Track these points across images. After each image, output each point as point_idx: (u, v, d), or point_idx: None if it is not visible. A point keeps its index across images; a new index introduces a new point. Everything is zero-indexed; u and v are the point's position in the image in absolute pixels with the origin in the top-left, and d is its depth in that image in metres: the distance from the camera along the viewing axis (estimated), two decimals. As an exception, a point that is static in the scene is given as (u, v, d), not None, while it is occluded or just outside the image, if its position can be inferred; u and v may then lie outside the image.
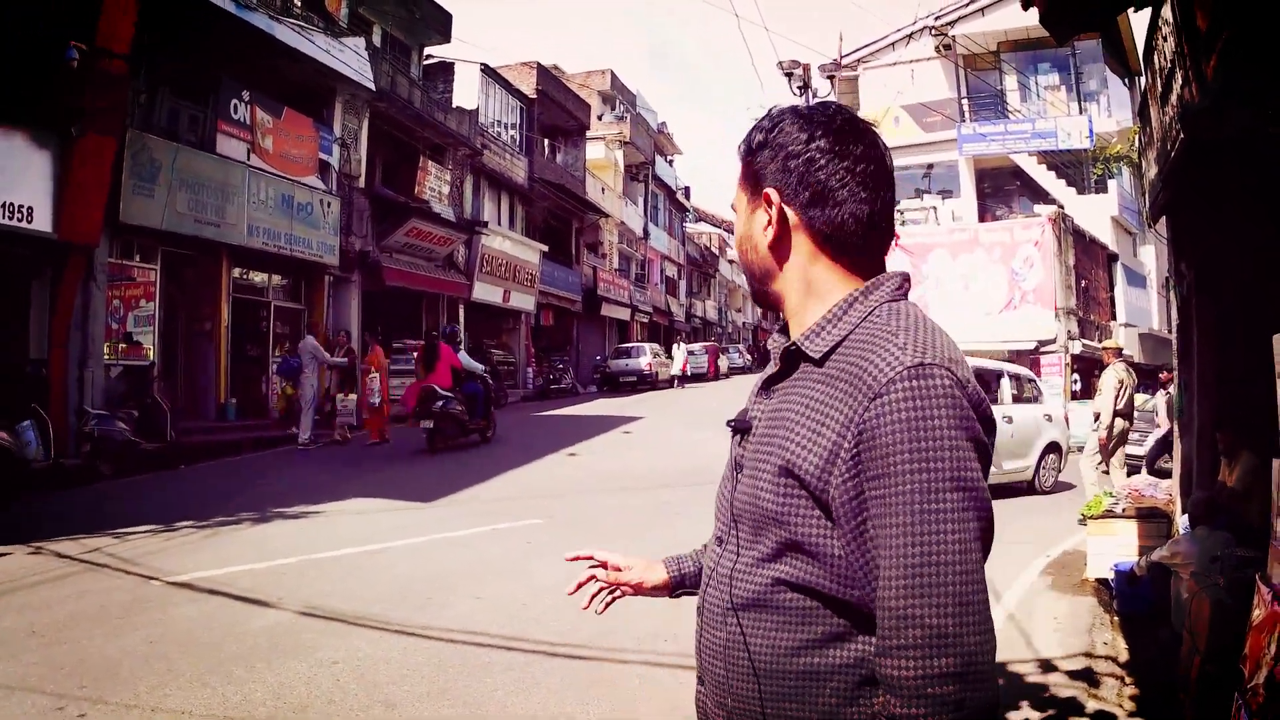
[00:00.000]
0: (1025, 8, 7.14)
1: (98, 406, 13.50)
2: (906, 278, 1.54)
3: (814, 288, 1.52)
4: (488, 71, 30.21)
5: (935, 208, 28.37)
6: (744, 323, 74.40)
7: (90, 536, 8.30)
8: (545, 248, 33.55)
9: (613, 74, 44.56)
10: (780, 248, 1.53)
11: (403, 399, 16.37)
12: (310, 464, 14.33)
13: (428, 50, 28.50)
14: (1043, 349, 22.04)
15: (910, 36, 27.79)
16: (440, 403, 15.13)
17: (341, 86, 21.32)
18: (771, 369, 1.58)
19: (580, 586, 1.95)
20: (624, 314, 44.36)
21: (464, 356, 16.96)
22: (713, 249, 66.48)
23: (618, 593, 1.95)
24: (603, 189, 41.14)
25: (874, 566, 1.30)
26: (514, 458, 14.79)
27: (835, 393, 1.37)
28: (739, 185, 1.61)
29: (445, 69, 29.26)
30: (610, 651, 5.68)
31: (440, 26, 27.26)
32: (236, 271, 18.87)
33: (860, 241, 1.50)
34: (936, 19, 27.36)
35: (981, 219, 28.14)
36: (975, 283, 23.07)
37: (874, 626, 1.31)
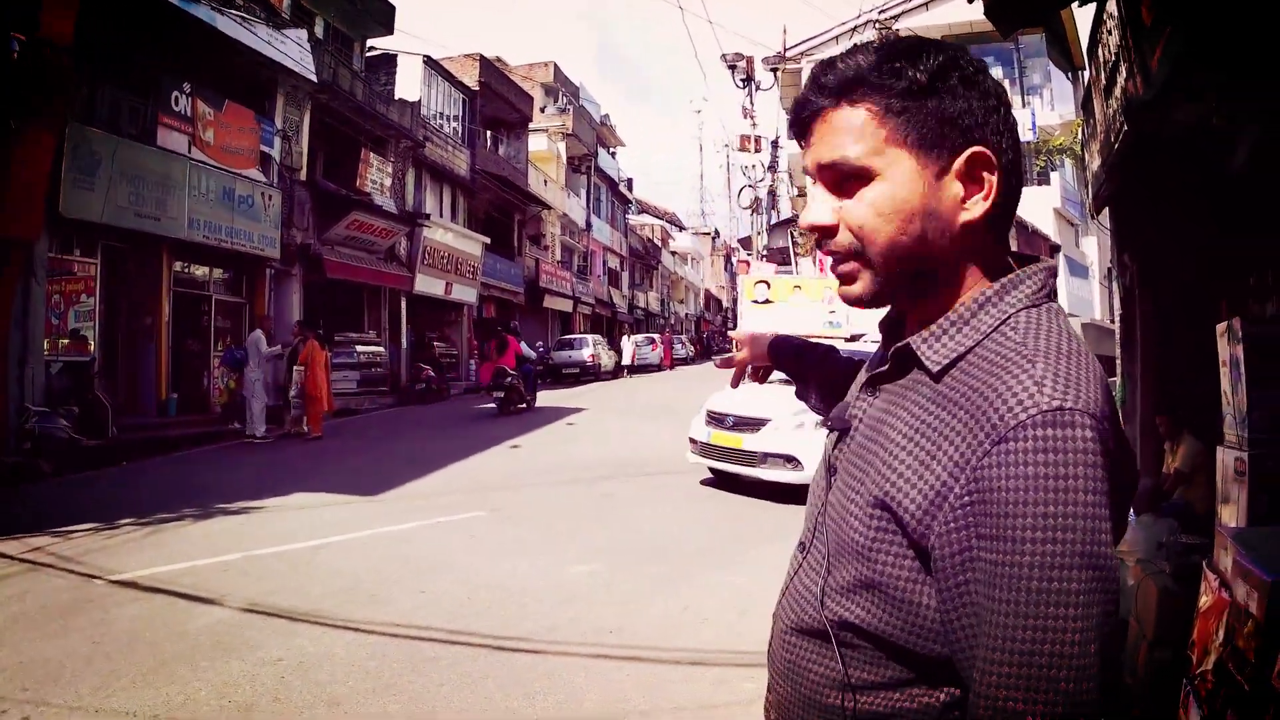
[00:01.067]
0: (970, 0, 7.26)
1: (38, 404, 13.32)
2: (1053, 272, 1.25)
3: (959, 276, 1.24)
4: (430, 63, 30.03)
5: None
6: (686, 314, 74.70)
7: (32, 536, 8.20)
8: (487, 240, 33.43)
9: (556, 66, 44.51)
10: (974, 228, 1.21)
11: (478, 375, 22.40)
12: (253, 458, 14.23)
13: (370, 42, 28.26)
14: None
15: (855, 30, 28.02)
16: (508, 379, 21.08)
17: (283, 78, 21.09)
18: (879, 364, 1.34)
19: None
20: (567, 306, 44.44)
21: (524, 347, 23.17)
22: (655, 240, 66.65)
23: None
24: (545, 181, 41.08)
25: (969, 632, 1.09)
26: (457, 450, 14.80)
27: (952, 421, 1.13)
28: (890, 139, 1.20)
29: (388, 61, 29.02)
30: (554, 645, 5.74)
31: (383, 18, 27.03)
32: (178, 265, 18.63)
33: (1009, 222, 1.26)
34: (880, 13, 27.63)
35: (922, 211, 28.41)
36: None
37: (950, 677, 1.15)
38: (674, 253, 72.49)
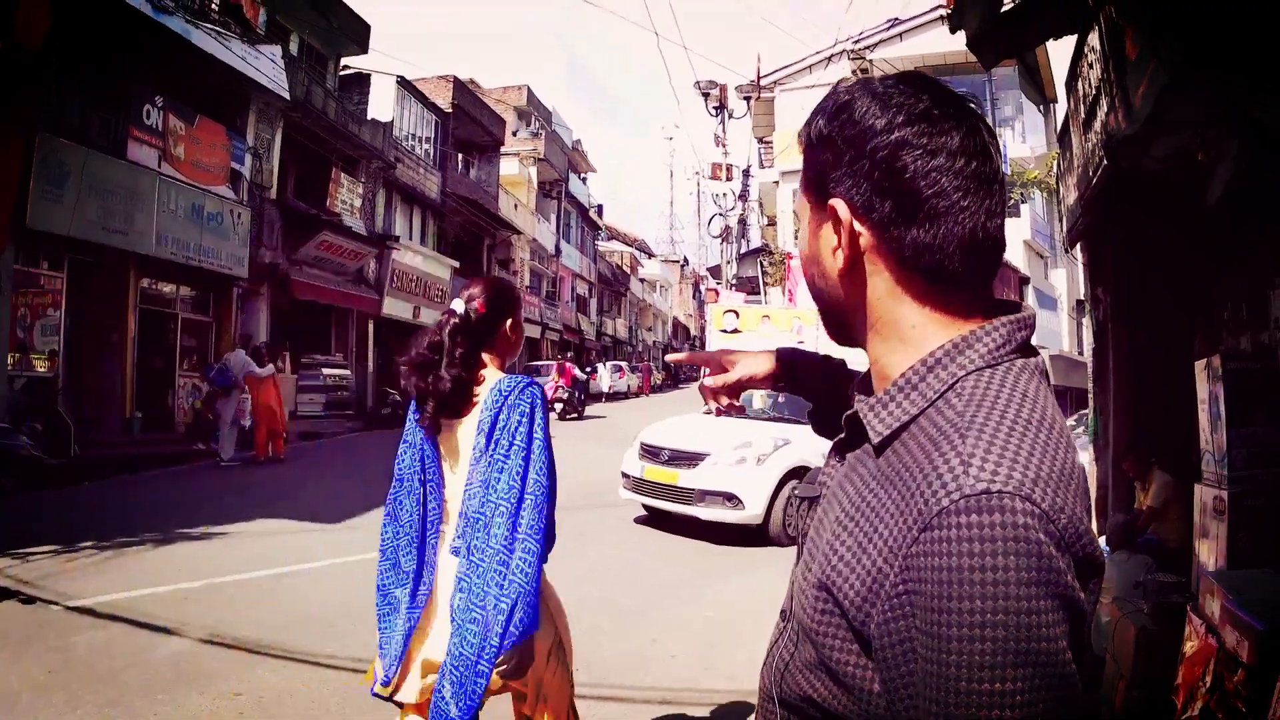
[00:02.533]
0: (953, 31, 7.25)
1: (0, 420, 13.01)
2: (1022, 324, 1.13)
3: (900, 332, 1.14)
4: (404, 84, 29.94)
5: None
6: (654, 341, 74.74)
7: (-11, 557, 7.96)
8: (456, 264, 33.24)
9: (529, 90, 44.58)
10: (853, 277, 1.15)
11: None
12: (218, 481, 13.91)
13: (344, 60, 28.16)
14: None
15: (829, 59, 28.20)
16: (565, 394, 28.13)
17: (256, 95, 20.93)
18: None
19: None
20: (534, 331, 44.27)
21: (576, 370, 30.15)
22: (624, 268, 66.76)
23: (729, 397, 1.89)
24: (515, 205, 41.03)
25: None
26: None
27: (886, 502, 1.04)
28: (801, 188, 1.24)
29: (361, 80, 28.91)
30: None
31: (358, 37, 26.94)
32: (145, 282, 18.34)
33: (959, 269, 1.10)
34: (855, 43, 27.83)
35: (893, 243, 28.56)
36: (887, 307, 23.38)
37: None
38: (643, 280, 72.64)
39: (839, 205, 1.12)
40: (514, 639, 2.68)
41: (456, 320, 2.94)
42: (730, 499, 9.97)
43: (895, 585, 0.98)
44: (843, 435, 1.22)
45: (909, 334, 1.13)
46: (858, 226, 1.12)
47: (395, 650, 2.99)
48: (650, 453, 10.87)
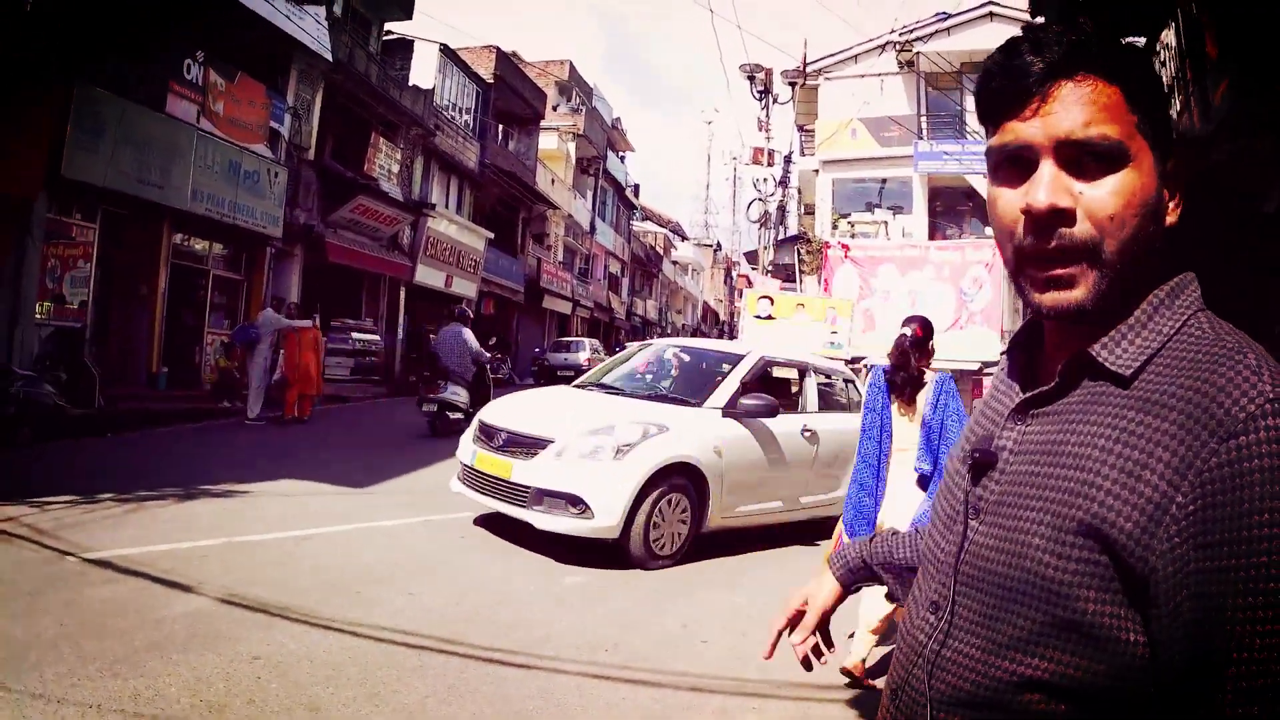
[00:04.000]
0: (1034, 16, 7.00)
1: (25, 368, 12.94)
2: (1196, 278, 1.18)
3: (1141, 281, 1.14)
4: (447, 52, 29.78)
5: (886, 222, 28.47)
6: (683, 324, 74.61)
7: (6, 504, 7.82)
8: (491, 235, 33.16)
9: (571, 65, 44.37)
10: (1160, 226, 1.14)
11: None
12: (243, 440, 13.86)
13: (388, 26, 28.01)
14: (986, 370, 22.25)
15: (881, 49, 27.86)
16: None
17: (298, 55, 20.80)
18: (1014, 393, 1.23)
19: (773, 649, 1.77)
20: (565, 308, 44.22)
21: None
22: (657, 249, 66.63)
23: (815, 637, 1.73)
24: (553, 180, 40.89)
25: (1198, 657, 0.95)
26: (450, 446, 14.53)
27: (1162, 424, 1.02)
28: (1122, 113, 1.09)
29: (404, 46, 28.77)
30: (547, 660, 5.44)
31: (403, 2, 26.79)
32: (178, 237, 18.28)
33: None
34: (903, 35, 27.45)
35: (931, 237, 28.33)
36: (923, 299, 23.20)
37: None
38: (675, 262, 72.45)
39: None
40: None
41: (907, 340, 5.33)
42: (575, 503, 7.49)
43: (1184, 506, 0.97)
44: (1042, 390, 1.18)
45: (1141, 282, 1.14)
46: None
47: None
48: (485, 434, 8.46)
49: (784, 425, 8.98)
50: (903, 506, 5.22)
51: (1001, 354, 1.36)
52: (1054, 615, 1.05)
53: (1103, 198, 1.08)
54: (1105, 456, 1.04)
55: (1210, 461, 0.95)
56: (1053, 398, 1.16)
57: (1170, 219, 1.13)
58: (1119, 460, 1.03)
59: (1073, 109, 1.08)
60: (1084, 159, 1.08)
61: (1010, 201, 1.13)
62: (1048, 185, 1.09)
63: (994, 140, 1.15)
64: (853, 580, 1.72)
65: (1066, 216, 1.09)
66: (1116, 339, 1.11)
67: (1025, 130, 1.10)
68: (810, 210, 34.57)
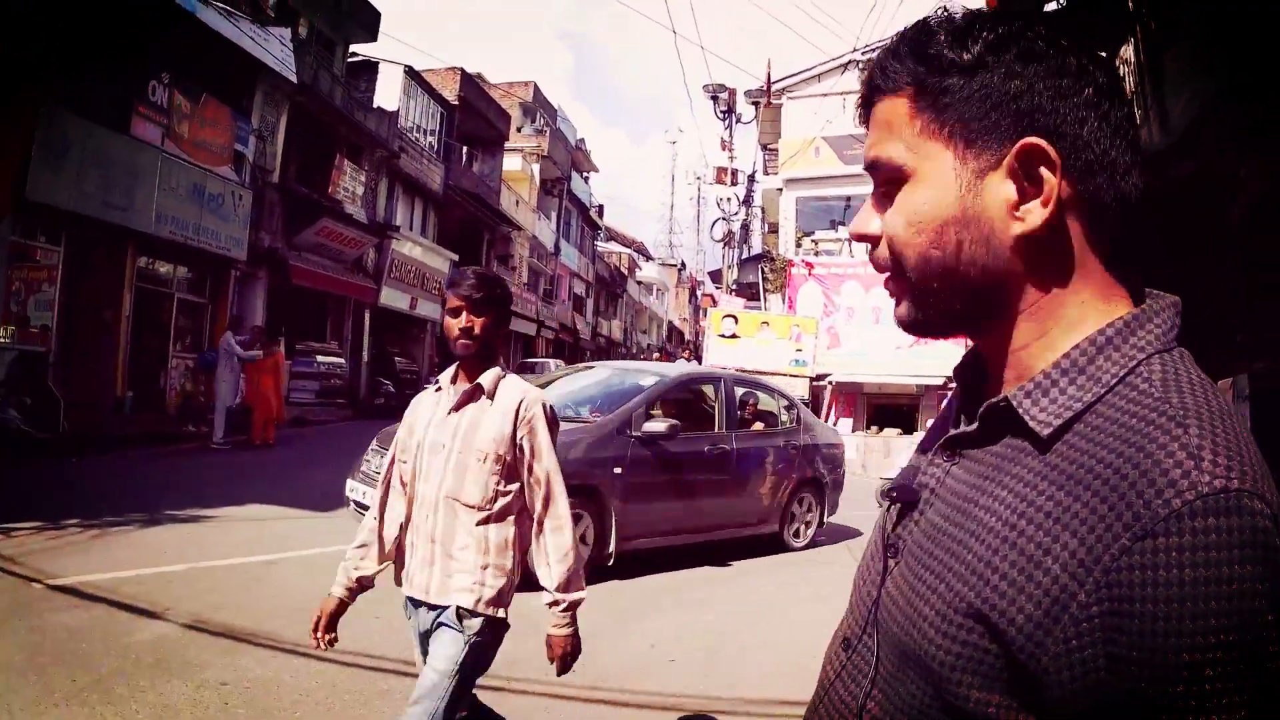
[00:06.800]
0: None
1: (-11, 392, 12.84)
2: (1179, 308, 0.99)
3: (1062, 311, 0.97)
4: (411, 74, 29.78)
5: (850, 240, 28.65)
6: (649, 344, 74.63)
7: (-31, 531, 7.81)
8: (455, 256, 33.06)
9: (535, 86, 44.49)
10: (1040, 242, 0.95)
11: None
12: (207, 464, 13.80)
13: (353, 47, 28.01)
14: (951, 384, 22.46)
15: (844, 68, 28.13)
16: None
17: (263, 77, 20.73)
18: (959, 424, 1.08)
19: None
20: (530, 329, 44.18)
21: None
22: (622, 269, 66.72)
23: None
24: (517, 201, 40.88)
25: None
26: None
27: (1073, 504, 0.85)
28: (904, 124, 1.00)
29: (369, 68, 28.76)
30: (514, 681, 5.40)
31: (368, 24, 26.84)
32: (142, 260, 18.11)
33: (1128, 235, 0.98)
34: (865, 54, 27.76)
35: (895, 255, 28.50)
36: (887, 316, 23.16)
37: None
38: (640, 282, 72.57)
39: (1043, 144, 0.92)
40: None
41: None
42: None
43: (1086, 606, 0.81)
44: (966, 430, 1.03)
45: (1072, 313, 0.97)
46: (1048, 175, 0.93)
47: None
48: None
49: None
50: None
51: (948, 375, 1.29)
52: (934, 697, 0.95)
53: (890, 219, 1.01)
54: (1008, 533, 0.90)
55: (1120, 561, 0.80)
56: (975, 442, 1.02)
57: (1023, 224, 0.94)
58: (1021, 540, 0.89)
59: (871, 134, 1.03)
60: (884, 182, 1.02)
61: None
62: (858, 214, 1.07)
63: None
64: None
65: (873, 240, 1.04)
66: (1045, 386, 0.95)
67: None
68: (774, 229, 34.81)
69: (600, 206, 62.08)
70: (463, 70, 34.06)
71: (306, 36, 24.31)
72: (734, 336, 23.86)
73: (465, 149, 35.71)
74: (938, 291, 1.00)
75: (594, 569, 7.81)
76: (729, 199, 34.62)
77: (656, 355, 41.80)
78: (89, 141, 15.13)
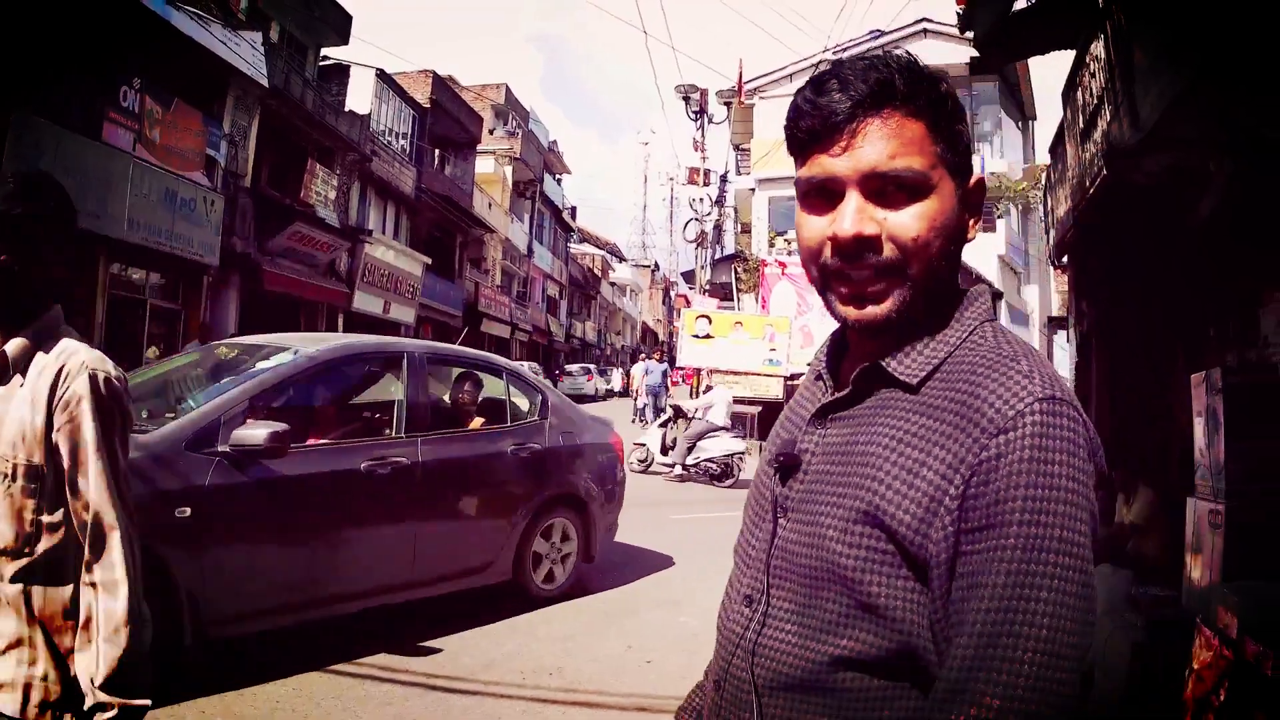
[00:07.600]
0: (963, 31, 7.21)
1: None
2: (986, 293, 1.33)
3: (943, 295, 1.27)
4: (383, 77, 29.68)
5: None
6: (623, 345, 74.65)
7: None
8: (428, 260, 32.97)
9: (507, 88, 44.46)
10: (960, 244, 1.27)
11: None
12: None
13: (324, 51, 27.87)
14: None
15: (815, 67, 28.24)
16: None
17: (234, 81, 20.58)
18: (825, 394, 1.33)
19: None
20: (504, 331, 44.06)
21: None
22: (595, 271, 66.74)
23: None
24: (490, 204, 40.82)
25: (954, 630, 1.06)
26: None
27: (940, 426, 1.13)
28: (926, 145, 1.20)
29: (340, 71, 28.61)
30: (492, 685, 5.48)
31: (339, 27, 26.71)
32: (115, 267, 17.97)
33: None
34: (837, 53, 27.88)
35: (867, 254, 28.65)
36: (860, 315, 23.43)
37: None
38: (613, 284, 72.58)
39: (984, 180, 1.26)
40: None
41: None
42: None
43: (955, 498, 1.08)
44: (839, 396, 1.29)
45: (944, 298, 1.27)
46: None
47: None
48: None
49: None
50: None
51: (808, 364, 1.49)
52: (852, 599, 1.14)
53: (907, 223, 1.18)
54: (889, 455, 1.16)
55: (980, 455, 1.08)
56: (849, 403, 1.28)
57: (970, 236, 1.27)
58: (900, 459, 1.14)
59: (878, 144, 1.17)
60: (889, 189, 1.18)
61: (817, 228, 1.23)
62: (853, 216, 1.18)
63: (803, 172, 1.24)
64: None
65: (873, 242, 1.18)
66: (908, 351, 1.23)
67: (833, 164, 1.19)
68: (747, 229, 34.91)
69: (573, 208, 62.10)
70: (435, 73, 33.99)
71: (278, 40, 24.14)
72: (708, 337, 23.85)
73: (438, 152, 35.64)
74: (930, 287, 1.23)
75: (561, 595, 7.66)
76: (701, 199, 34.58)
77: (642, 357, 41.70)
78: (60, 148, 14.94)
